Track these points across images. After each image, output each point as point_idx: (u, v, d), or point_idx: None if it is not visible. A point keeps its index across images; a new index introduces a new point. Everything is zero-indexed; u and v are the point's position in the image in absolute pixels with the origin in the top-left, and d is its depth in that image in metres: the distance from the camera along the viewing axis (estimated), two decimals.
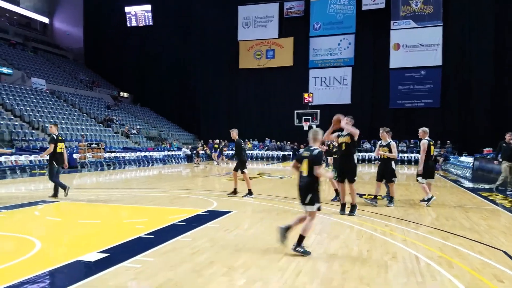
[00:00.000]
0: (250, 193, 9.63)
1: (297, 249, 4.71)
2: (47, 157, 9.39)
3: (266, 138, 32.23)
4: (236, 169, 9.99)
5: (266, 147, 31.53)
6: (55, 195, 9.14)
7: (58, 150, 9.25)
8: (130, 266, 4.20)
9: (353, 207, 7.41)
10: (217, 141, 26.96)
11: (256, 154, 30.64)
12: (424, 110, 29.61)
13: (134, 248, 4.92)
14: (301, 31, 33.76)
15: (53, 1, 42.66)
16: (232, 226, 6.25)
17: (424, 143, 8.59)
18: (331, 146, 10.29)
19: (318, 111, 27.20)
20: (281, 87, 33.94)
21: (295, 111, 27.79)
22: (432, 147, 8.73)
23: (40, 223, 6.59)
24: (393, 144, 8.60)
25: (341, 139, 7.56)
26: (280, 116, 32.48)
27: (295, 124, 27.51)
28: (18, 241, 5.28)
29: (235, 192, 9.82)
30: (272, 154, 30.55)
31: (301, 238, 4.73)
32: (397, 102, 30.94)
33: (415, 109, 30.10)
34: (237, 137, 10.09)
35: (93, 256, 4.52)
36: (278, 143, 31.48)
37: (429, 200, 8.54)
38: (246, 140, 32.10)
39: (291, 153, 29.75)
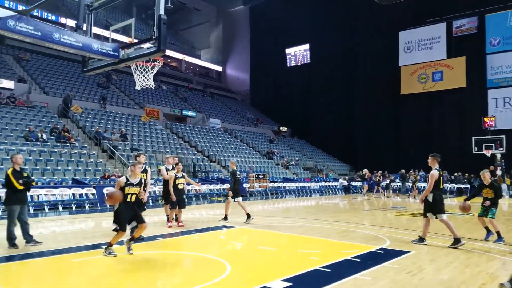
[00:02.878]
0: (225, 218, 10.55)
1: None
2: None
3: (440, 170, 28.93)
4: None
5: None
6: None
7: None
8: None
9: None
10: (365, 170, 25.57)
11: (423, 186, 27.66)
12: None
13: (314, 281, 4.91)
14: (474, 49, 30.06)
15: (226, 52, 49.52)
16: (415, 268, 5.63)
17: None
18: None
19: (504, 136, 23.13)
20: (453, 112, 30.46)
21: (473, 138, 24.30)
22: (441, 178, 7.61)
23: (226, 247, 7.30)
24: None
25: None
26: (453, 144, 28.93)
27: (474, 152, 23.98)
28: (212, 263, 5.93)
29: (225, 218, 10.60)
30: (444, 187, 27.09)
31: None
32: None
33: None
34: (234, 168, 10.78)
35: (277, 284, 4.69)
36: (452, 175, 27.86)
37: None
38: (411, 171, 29.55)
39: (468, 186, 25.86)
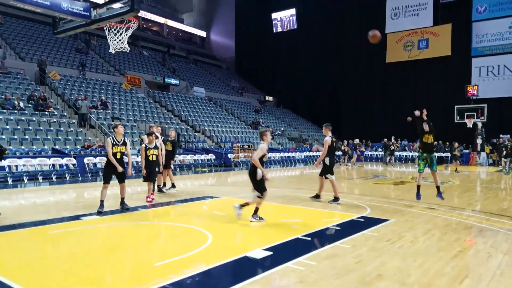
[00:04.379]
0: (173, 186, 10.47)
1: None
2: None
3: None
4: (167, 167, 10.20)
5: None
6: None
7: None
8: (295, 267, 4.19)
9: None
10: (357, 141, 25.79)
11: (406, 155, 28.23)
12: None
13: (295, 249, 4.94)
14: (461, 17, 29.82)
15: (210, 16, 47.94)
16: (394, 236, 5.72)
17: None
18: None
19: (485, 105, 23.48)
20: (437, 80, 30.60)
21: (456, 107, 24.58)
22: (334, 143, 8.76)
23: (209, 217, 7.28)
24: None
25: None
26: (436, 113, 29.08)
27: (456, 121, 24.32)
28: (194, 233, 5.90)
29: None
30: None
31: None
32: None
33: None
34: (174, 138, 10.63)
35: (258, 253, 4.70)
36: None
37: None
38: (393, 140, 29.94)
39: (448, 154, 26.40)
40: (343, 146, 22.80)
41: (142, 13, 40.26)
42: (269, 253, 4.73)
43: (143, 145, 8.60)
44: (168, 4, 47.72)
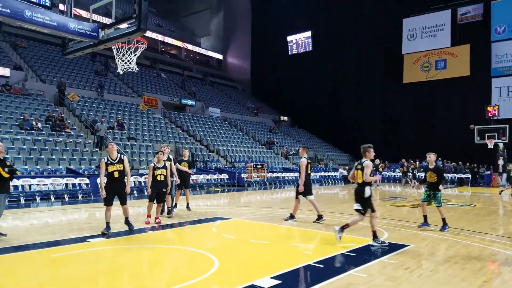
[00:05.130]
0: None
1: None
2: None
3: (439, 159, 28.55)
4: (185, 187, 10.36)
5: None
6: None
7: None
8: None
9: None
10: (377, 161, 25.22)
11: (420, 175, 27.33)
12: None
13: (305, 278, 4.62)
14: (479, 37, 29.43)
15: (227, 40, 48.78)
16: (413, 264, 5.33)
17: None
18: None
19: (507, 126, 22.70)
20: (456, 100, 29.96)
21: (476, 127, 23.87)
22: (309, 165, 9.03)
23: (217, 240, 7.01)
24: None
25: None
26: (456, 133, 28.52)
27: (476, 142, 23.58)
28: (201, 258, 5.64)
29: None
30: (446, 177, 26.79)
31: None
32: None
33: None
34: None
35: (266, 282, 4.40)
36: (454, 163, 27.52)
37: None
38: (412, 161, 29.22)
39: (469, 176, 25.54)
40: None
41: (161, 37, 41.36)
42: (278, 281, 4.42)
43: (151, 164, 8.40)
44: (186, 29, 48.94)
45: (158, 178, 8.21)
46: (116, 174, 7.05)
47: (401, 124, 32.85)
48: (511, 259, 5.69)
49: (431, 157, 8.32)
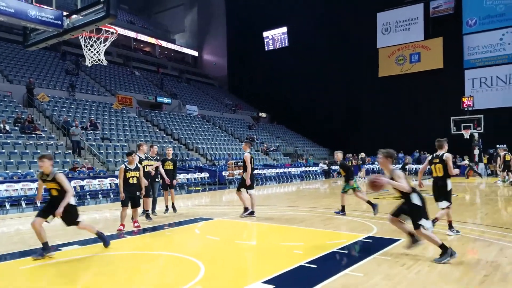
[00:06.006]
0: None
1: None
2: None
3: (416, 150, 29.02)
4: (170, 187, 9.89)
5: (415, 160, 28.31)
6: None
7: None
8: None
9: None
10: (362, 154, 25.29)
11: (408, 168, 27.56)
12: None
13: (299, 281, 4.33)
14: (451, 30, 30.02)
15: (202, 36, 48.00)
16: (408, 260, 5.12)
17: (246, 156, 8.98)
18: None
19: (482, 116, 23.22)
20: (430, 93, 30.48)
21: (452, 118, 24.32)
22: (252, 159, 9.17)
23: (201, 243, 6.64)
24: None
25: None
26: (431, 125, 28.99)
27: (452, 133, 24.01)
28: (185, 264, 5.26)
29: None
30: (409, 168, 27.14)
31: None
32: None
33: None
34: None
35: (258, 287, 4.07)
36: (429, 155, 27.95)
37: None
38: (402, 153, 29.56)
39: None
40: (353, 161, 22.14)
41: (134, 34, 40.21)
42: (270, 286, 4.10)
43: (122, 166, 7.66)
44: (160, 26, 47.81)
45: (130, 181, 7.53)
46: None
47: (377, 117, 33.14)
48: (506, 249, 5.58)
49: (338, 155, 9.74)
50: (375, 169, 27.42)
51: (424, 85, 30.87)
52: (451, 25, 30.20)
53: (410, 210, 4.92)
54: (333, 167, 28.50)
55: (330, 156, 34.77)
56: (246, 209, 9.12)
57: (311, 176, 26.00)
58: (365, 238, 6.48)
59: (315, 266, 4.87)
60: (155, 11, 49.40)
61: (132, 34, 40.01)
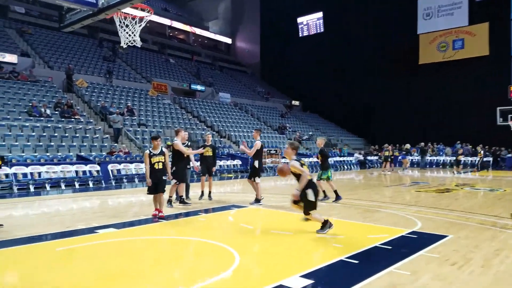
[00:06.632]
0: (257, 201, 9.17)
1: None
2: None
3: (458, 142, 27.61)
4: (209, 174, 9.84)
5: (457, 152, 26.93)
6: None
7: None
8: None
9: None
10: (387, 146, 24.23)
11: (443, 160, 26.49)
12: None
13: (341, 277, 4.05)
14: (499, 15, 28.07)
15: (235, 23, 47.66)
16: (460, 258, 4.71)
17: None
18: None
19: None
20: (474, 81, 28.78)
21: (498, 108, 22.80)
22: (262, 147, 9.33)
23: (235, 231, 6.48)
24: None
25: None
26: (476, 115, 27.48)
27: (498, 124, 22.54)
28: (219, 252, 5.10)
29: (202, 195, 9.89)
30: (465, 160, 25.86)
31: None
32: None
33: None
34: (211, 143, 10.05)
35: (296, 281, 3.83)
36: (472, 147, 26.55)
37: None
38: (429, 144, 28.33)
39: (490, 159, 24.59)
40: (386, 152, 21.36)
41: (168, 22, 40.50)
42: (309, 281, 3.85)
43: (147, 151, 7.36)
44: (194, 13, 47.87)
45: (156, 166, 7.25)
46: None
47: (417, 106, 31.75)
48: None
49: (318, 141, 10.01)
50: (414, 160, 26.42)
51: (468, 72, 29.16)
52: (498, 10, 28.21)
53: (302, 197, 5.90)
54: (369, 158, 27.71)
55: (365, 146, 33.85)
56: (257, 199, 9.09)
57: (345, 166, 25.36)
58: (409, 233, 6.07)
59: (357, 261, 4.56)
60: None
61: (166, 21, 40.31)
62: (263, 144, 9.23)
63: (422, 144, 24.89)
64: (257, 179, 8.99)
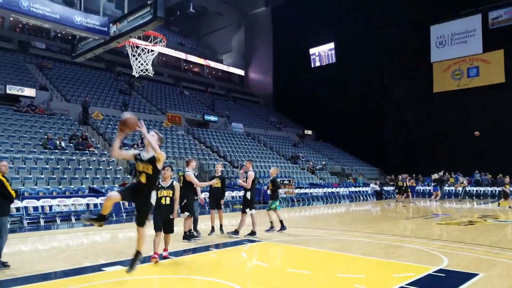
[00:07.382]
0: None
1: None
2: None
3: (476, 171, 26.74)
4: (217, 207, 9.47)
5: (474, 182, 26.04)
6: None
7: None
8: None
9: None
10: (405, 176, 23.56)
11: (491, 190, 25.29)
12: None
13: None
14: None
15: (248, 55, 48.60)
16: None
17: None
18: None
19: None
20: (491, 109, 28.19)
21: None
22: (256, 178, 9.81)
23: (250, 270, 6.10)
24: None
25: None
26: (494, 144, 26.72)
27: None
28: None
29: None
30: (483, 191, 24.90)
31: None
32: None
33: None
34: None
35: None
36: (491, 176, 25.63)
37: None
38: (447, 174, 27.49)
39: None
40: (400, 182, 20.46)
41: (184, 55, 41.54)
42: None
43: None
44: (208, 46, 49.15)
45: (162, 201, 6.40)
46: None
47: (431, 135, 31.17)
48: None
49: (272, 171, 10.22)
50: (425, 190, 25.66)
51: (484, 101, 28.67)
52: None
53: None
54: (385, 188, 26.99)
55: (380, 176, 33.09)
56: (253, 232, 9.00)
57: (361, 197, 24.70)
58: (436, 271, 5.60)
59: None
60: (203, 33, 50.89)
61: (182, 55, 41.36)
62: (256, 175, 9.36)
63: (441, 173, 24.15)
64: (252, 211, 9.00)
